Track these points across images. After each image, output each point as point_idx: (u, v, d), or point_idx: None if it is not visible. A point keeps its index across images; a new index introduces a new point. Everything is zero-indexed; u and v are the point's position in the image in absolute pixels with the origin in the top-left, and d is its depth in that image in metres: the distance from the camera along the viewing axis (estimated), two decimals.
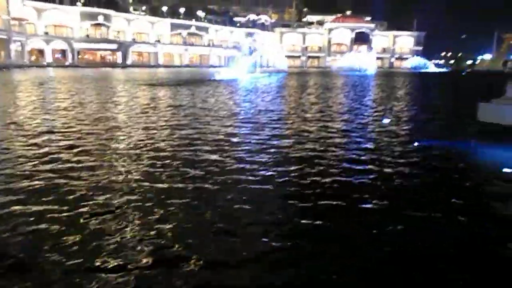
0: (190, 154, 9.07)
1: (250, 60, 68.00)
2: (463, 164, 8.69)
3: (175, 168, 7.89)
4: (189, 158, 8.75)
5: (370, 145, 10.34)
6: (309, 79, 54.98)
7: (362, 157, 9.00)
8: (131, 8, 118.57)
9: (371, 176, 7.60)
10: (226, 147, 9.89)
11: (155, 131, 11.95)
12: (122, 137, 11.00)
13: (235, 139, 10.85)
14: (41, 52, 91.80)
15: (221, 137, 11.17)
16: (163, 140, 10.59)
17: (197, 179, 7.18)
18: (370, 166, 8.31)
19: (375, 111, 17.71)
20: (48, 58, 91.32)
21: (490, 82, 43.01)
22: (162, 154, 9.08)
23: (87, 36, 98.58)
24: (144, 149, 9.57)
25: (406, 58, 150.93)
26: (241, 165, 8.18)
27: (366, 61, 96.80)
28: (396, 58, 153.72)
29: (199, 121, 13.88)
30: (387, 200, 6.35)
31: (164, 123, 13.48)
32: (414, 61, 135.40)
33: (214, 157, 8.83)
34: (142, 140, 10.56)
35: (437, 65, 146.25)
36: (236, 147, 9.85)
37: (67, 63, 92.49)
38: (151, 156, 8.83)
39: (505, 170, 8.11)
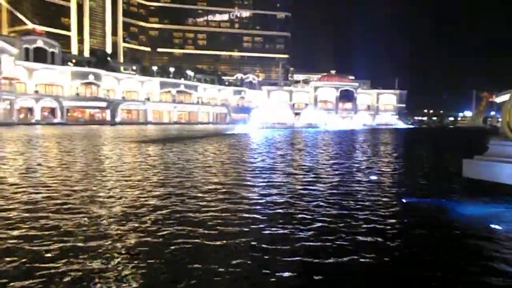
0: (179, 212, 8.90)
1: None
2: (450, 221, 8.66)
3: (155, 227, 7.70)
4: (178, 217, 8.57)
5: (359, 202, 10.30)
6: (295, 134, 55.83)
7: (351, 215, 8.93)
8: (121, 68, 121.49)
9: (359, 234, 7.50)
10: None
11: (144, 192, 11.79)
12: (106, 197, 10.80)
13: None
14: (30, 110, 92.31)
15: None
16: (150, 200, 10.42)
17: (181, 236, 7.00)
18: (358, 223, 8.23)
19: (364, 168, 17.85)
20: (37, 116, 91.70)
21: (473, 138, 44.10)
22: (150, 214, 8.89)
23: (77, 94, 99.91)
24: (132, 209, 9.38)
25: (393, 115, 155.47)
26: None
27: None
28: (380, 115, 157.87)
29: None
30: (373, 259, 6.23)
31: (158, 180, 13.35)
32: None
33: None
34: (130, 201, 10.38)
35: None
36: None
37: (55, 121, 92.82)
38: (138, 218, 8.63)
39: (493, 226, 8.10)
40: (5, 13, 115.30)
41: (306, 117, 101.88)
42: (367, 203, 10.10)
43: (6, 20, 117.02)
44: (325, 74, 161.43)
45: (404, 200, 10.58)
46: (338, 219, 8.52)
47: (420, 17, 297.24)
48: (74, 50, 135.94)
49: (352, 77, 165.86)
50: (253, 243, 6.91)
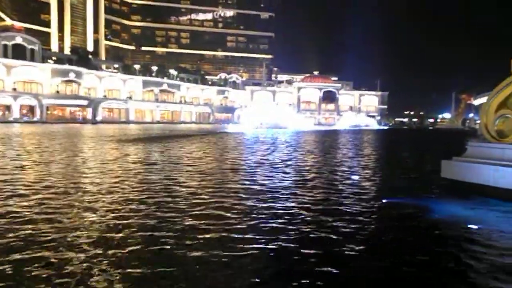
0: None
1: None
2: (429, 221, 8.80)
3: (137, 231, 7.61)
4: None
5: (341, 202, 10.39)
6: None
7: (332, 214, 9.00)
8: (103, 66, 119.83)
9: (339, 233, 7.56)
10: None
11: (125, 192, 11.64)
12: (87, 198, 10.64)
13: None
14: (8, 107, 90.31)
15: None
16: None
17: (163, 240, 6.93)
18: (338, 223, 8.29)
19: (346, 168, 18.01)
20: (15, 114, 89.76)
21: (452, 139, 44.94)
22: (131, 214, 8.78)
23: (57, 92, 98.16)
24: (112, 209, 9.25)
25: (373, 116, 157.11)
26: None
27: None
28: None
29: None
30: (352, 259, 6.28)
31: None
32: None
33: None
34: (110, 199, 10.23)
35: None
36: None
37: (35, 119, 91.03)
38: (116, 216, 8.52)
39: (470, 226, 8.27)
40: None
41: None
42: (346, 202, 10.21)
43: None
44: (308, 75, 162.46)
45: (384, 200, 10.72)
46: (317, 216, 8.58)
47: (402, 17, 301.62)
48: (55, 47, 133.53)
49: (335, 78, 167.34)
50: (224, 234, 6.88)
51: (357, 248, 6.82)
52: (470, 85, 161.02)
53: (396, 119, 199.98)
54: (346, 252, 6.62)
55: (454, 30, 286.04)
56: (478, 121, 13.39)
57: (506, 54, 12.39)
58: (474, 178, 11.10)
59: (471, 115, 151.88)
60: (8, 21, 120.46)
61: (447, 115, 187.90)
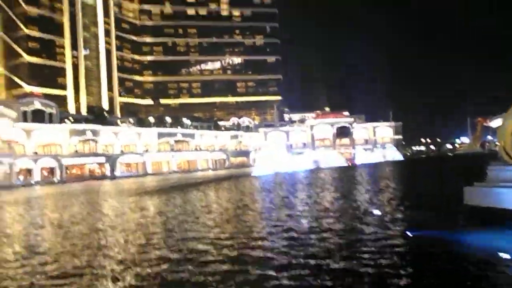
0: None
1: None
2: (458, 252, 8.52)
3: None
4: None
5: (364, 237, 10.17)
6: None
7: (359, 250, 8.79)
8: (119, 122, 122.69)
9: (368, 268, 7.37)
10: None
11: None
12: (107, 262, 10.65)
13: None
14: (29, 171, 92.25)
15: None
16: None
17: None
18: (365, 259, 8.09)
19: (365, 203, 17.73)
20: (36, 177, 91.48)
21: (472, 164, 44.04)
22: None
23: (76, 151, 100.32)
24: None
25: (389, 147, 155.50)
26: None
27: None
28: (379, 148, 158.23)
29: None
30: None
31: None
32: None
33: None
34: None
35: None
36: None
37: (55, 180, 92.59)
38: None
39: (501, 254, 7.97)
40: (2, 78, 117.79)
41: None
42: (371, 237, 9.98)
43: (4, 84, 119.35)
44: (319, 112, 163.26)
45: (409, 234, 10.46)
46: (344, 252, 8.39)
47: (409, 46, 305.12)
48: (71, 108, 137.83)
49: (347, 113, 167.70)
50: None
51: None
52: (484, 108, 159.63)
53: (413, 148, 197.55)
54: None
55: (464, 54, 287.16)
56: (497, 144, 13.21)
57: None
58: (497, 203, 10.81)
59: (489, 137, 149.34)
60: (27, 88, 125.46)
61: (465, 140, 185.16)
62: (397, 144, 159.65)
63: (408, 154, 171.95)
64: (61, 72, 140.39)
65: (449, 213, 13.36)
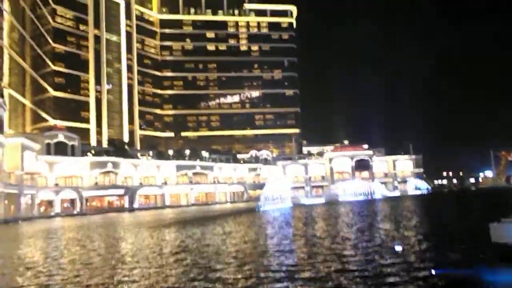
0: None
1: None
2: None
3: None
4: None
5: (386, 274, 9.82)
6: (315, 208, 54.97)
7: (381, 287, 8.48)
8: (138, 155, 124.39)
9: None
10: None
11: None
12: None
13: None
14: (50, 203, 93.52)
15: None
16: None
17: None
18: None
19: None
20: (57, 208, 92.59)
21: (498, 199, 42.79)
22: None
23: (96, 183, 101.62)
24: None
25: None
26: None
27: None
28: (399, 182, 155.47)
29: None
30: None
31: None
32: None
33: None
34: None
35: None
36: None
37: (75, 212, 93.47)
38: None
39: None
40: (29, 112, 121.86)
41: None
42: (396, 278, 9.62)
43: (30, 118, 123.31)
44: (338, 145, 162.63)
45: (433, 272, 10.06)
46: None
47: (428, 77, 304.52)
48: (93, 141, 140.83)
49: (366, 146, 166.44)
50: None
51: None
52: (507, 141, 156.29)
53: (435, 182, 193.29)
54: None
55: (483, 86, 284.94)
56: None
57: None
58: None
59: None
60: (51, 121, 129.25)
61: (488, 173, 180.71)
62: (418, 178, 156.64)
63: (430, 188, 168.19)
64: (85, 106, 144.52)
65: (475, 251, 12.85)
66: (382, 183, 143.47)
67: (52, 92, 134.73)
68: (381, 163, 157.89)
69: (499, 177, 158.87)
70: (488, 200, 50.94)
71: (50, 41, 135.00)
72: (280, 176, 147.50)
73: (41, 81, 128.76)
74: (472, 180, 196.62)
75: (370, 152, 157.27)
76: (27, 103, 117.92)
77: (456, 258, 11.94)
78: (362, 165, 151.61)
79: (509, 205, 12.09)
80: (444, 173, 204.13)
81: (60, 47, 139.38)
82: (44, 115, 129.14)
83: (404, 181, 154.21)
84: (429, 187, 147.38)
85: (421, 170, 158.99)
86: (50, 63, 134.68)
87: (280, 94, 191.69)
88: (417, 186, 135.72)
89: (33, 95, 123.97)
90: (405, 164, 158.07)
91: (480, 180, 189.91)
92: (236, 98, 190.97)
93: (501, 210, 14.38)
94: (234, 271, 11.87)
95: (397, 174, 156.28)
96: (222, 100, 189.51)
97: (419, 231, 20.06)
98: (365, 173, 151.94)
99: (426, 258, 12.27)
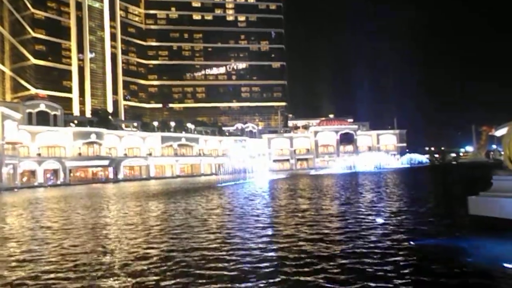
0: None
1: None
2: (461, 262, 8.40)
3: None
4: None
5: (366, 246, 10.05)
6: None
7: (360, 259, 8.69)
8: (123, 125, 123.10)
9: (370, 278, 7.27)
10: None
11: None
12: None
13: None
14: (33, 173, 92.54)
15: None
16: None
17: None
18: (368, 268, 7.99)
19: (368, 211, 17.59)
20: (40, 179, 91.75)
21: (477, 173, 43.82)
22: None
23: (80, 154, 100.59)
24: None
25: (394, 155, 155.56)
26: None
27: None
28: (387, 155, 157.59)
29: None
30: None
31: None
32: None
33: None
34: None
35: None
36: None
37: (58, 182, 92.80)
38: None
39: (506, 265, 7.84)
40: (9, 80, 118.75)
41: None
42: (373, 247, 9.86)
43: (10, 86, 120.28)
44: (323, 118, 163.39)
45: (412, 243, 10.34)
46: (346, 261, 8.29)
47: (415, 53, 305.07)
48: (76, 111, 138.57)
49: (351, 120, 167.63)
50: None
51: None
52: (489, 117, 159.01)
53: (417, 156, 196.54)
54: None
55: (469, 62, 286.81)
56: (503, 153, 13.08)
57: None
58: (502, 213, 10.67)
59: (494, 146, 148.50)
60: (33, 90, 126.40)
61: (469, 149, 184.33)
62: (401, 152, 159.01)
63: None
64: (67, 74, 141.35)
65: (453, 223, 13.22)
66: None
67: (33, 60, 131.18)
68: (366, 137, 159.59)
69: (479, 152, 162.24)
70: (468, 173, 52.24)
71: (30, 6, 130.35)
72: (266, 149, 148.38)
73: (21, 48, 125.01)
74: (453, 155, 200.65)
75: (355, 126, 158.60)
76: (7, 70, 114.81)
77: (435, 230, 12.27)
78: (346, 139, 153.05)
79: (487, 179, 12.38)
80: (427, 148, 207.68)
81: (40, 13, 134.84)
82: (24, 83, 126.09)
83: (393, 154, 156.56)
84: (428, 160, 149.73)
85: (405, 144, 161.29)
86: (29, 30, 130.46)
87: (266, 66, 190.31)
88: (413, 160, 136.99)
89: (12, 63, 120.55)
90: (389, 138, 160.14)
91: (461, 154, 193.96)
92: (222, 70, 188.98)
93: (478, 183, 14.81)
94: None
95: (381, 148, 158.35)
96: (208, 71, 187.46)
97: (400, 203, 20.51)
98: (349, 147, 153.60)
99: (405, 229, 12.58)
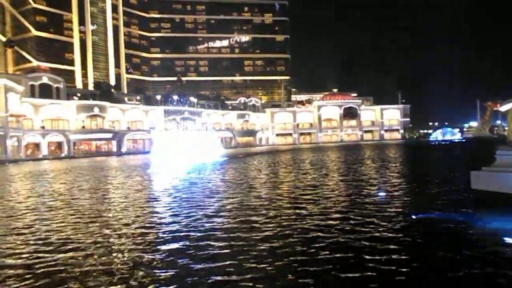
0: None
1: None
2: (462, 236, 8.52)
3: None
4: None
5: (368, 219, 10.18)
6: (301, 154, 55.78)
7: (361, 233, 8.81)
8: (126, 99, 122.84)
9: (370, 252, 7.39)
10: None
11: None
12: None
13: None
14: (37, 145, 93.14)
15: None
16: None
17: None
18: (368, 243, 8.11)
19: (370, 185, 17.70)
20: (44, 151, 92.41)
21: (481, 148, 43.77)
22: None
23: (83, 127, 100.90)
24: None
25: (397, 130, 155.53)
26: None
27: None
28: (386, 130, 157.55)
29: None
30: (388, 276, 6.11)
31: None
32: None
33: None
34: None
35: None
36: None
37: (62, 155, 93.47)
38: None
39: (506, 239, 7.95)
40: (11, 52, 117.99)
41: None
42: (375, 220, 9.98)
43: (12, 59, 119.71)
44: (327, 93, 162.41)
45: (413, 216, 10.45)
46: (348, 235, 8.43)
47: (419, 28, 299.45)
48: (79, 84, 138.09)
49: (355, 94, 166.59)
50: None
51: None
52: (494, 92, 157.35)
53: (421, 131, 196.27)
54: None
55: (474, 38, 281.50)
56: (506, 128, 13.04)
57: None
58: (505, 188, 10.73)
59: (498, 122, 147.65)
60: (35, 62, 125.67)
61: (473, 124, 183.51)
62: (405, 127, 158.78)
63: (415, 137, 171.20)
64: (69, 47, 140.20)
65: (455, 197, 13.31)
66: (368, 131, 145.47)
67: (34, 32, 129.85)
68: (369, 112, 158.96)
69: (483, 127, 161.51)
70: (471, 148, 52.24)
71: None
72: (269, 123, 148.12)
73: (22, 19, 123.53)
74: (457, 130, 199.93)
75: (359, 100, 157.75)
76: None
77: (436, 203, 12.37)
78: (350, 113, 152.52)
79: (491, 154, 12.39)
80: (431, 123, 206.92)
81: None
82: (26, 55, 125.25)
83: (390, 130, 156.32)
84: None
85: (408, 119, 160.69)
86: (30, 0, 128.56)
87: (270, 40, 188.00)
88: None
89: (13, 34, 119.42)
90: (392, 113, 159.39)
91: (465, 130, 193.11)
92: (225, 43, 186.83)
93: (482, 158, 14.88)
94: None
95: (384, 123, 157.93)
96: (210, 44, 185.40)
97: (402, 177, 20.61)
98: (353, 122, 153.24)
99: (406, 203, 12.69)
